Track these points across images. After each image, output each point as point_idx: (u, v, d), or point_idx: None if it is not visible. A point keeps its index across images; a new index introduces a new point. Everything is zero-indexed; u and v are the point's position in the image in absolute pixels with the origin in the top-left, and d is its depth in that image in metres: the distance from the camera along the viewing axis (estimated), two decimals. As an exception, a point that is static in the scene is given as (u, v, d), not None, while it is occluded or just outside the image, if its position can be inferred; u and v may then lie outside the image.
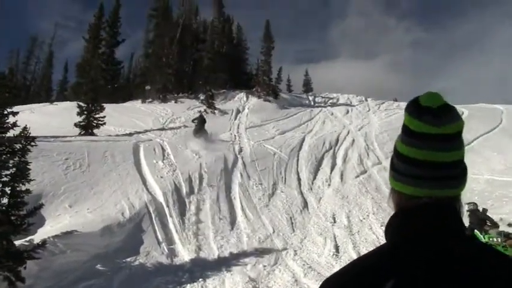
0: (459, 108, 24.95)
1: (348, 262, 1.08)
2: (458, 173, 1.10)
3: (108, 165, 14.49)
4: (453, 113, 1.08)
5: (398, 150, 1.14)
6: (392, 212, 1.15)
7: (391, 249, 1.04)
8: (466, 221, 11.49)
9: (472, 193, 15.23)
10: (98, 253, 9.62)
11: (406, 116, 1.11)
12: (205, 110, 28.36)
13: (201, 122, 21.68)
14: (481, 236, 10.51)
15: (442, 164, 1.06)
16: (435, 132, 1.05)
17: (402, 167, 1.11)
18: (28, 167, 8.33)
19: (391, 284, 0.92)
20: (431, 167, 1.06)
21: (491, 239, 10.25)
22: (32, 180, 8.50)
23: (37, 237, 8.43)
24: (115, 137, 19.63)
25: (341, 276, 1.02)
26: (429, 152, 1.06)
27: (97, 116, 20.77)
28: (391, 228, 1.11)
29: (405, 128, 1.11)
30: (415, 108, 1.09)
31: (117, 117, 24.40)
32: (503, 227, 10.93)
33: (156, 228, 11.54)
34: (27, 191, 8.17)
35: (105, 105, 21.94)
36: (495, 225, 10.72)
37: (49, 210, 10.71)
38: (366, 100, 38.43)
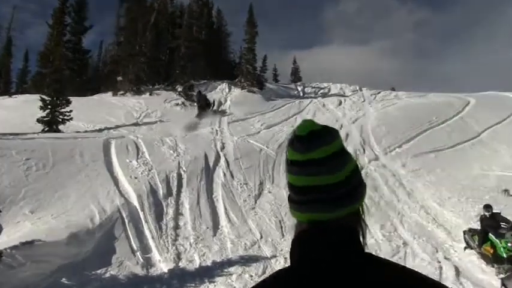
0: (464, 97, 24.99)
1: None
2: (338, 195, 1.18)
3: (76, 165, 14.19)
4: (322, 139, 1.20)
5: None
6: None
7: (280, 274, 1.21)
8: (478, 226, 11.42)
9: (482, 191, 15.23)
10: (63, 265, 9.35)
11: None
12: (182, 103, 28.15)
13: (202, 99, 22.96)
14: (497, 241, 10.39)
15: (314, 187, 1.17)
16: (302, 158, 1.18)
17: (289, 194, 1.26)
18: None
19: None
20: (305, 192, 1.18)
21: (509, 244, 10.12)
22: (-13, 184, 8.20)
23: (-8, 249, 8.13)
24: (83, 133, 19.34)
25: None
26: (301, 177, 1.19)
27: (62, 110, 20.48)
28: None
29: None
30: (292, 137, 1.23)
31: (86, 111, 24.04)
32: None
33: (130, 235, 11.31)
34: (-19, 196, 7.87)
35: (71, 98, 21.73)
36: None
37: (7, 217, 10.35)
38: (361, 90, 38.50)
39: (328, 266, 1.10)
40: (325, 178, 1.16)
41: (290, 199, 1.25)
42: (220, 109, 26.21)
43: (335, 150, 1.20)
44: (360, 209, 1.26)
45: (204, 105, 24.67)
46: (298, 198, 1.20)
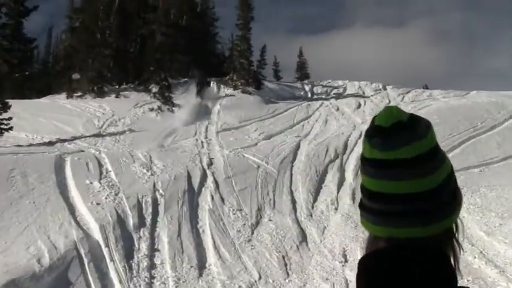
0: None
1: None
2: (430, 207, 1.16)
3: (17, 189, 14.10)
4: (410, 132, 1.16)
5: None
6: None
7: None
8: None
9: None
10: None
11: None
12: (159, 108, 28.18)
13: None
14: None
15: (395, 196, 1.16)
16: (382, 157, 1.16)
17: (363, 199, 1.29)
18: None
19: None
20: (383, 199, 1.18)
21: None
22: None
23: None
24: (27, 147, 19.32)
25: None
26: (379, 180, 1.19)
27: (-1, 117, 20.42)
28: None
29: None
30: (370, 128, 1.21)
31: (31, 119, 24.28)
32: None
33: (90, 278, 11.16)
34: None
35: (10, 101, 21.69)
36: None
37: None
38: (385, 88, 38.87)
39: None
40: (412, 184, 1.15)
41: (362, 206, 1.28)
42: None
43: (427, 149, 1.17)
44: (454, 225, 1.25)
45: (202, 82, 25.46)
46: (373, 206, 1.21)
